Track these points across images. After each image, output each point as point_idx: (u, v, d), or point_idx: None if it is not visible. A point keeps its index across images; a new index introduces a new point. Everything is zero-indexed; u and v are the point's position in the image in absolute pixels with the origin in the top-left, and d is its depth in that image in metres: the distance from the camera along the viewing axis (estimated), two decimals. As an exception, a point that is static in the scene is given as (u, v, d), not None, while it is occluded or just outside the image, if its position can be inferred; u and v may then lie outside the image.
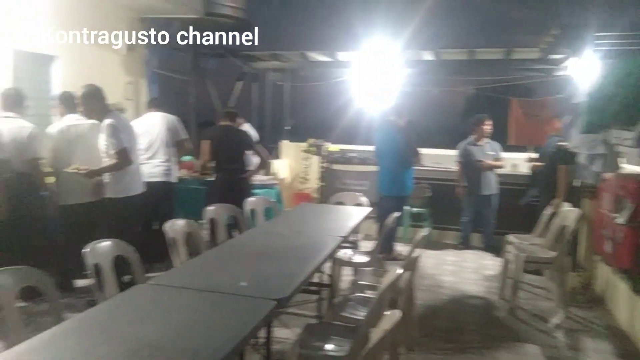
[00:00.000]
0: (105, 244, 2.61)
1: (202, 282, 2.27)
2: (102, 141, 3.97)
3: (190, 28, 6.91)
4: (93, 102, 4.02)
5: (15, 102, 4.01)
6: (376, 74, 7.33)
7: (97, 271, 2.49)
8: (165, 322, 1.82)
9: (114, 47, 6.54)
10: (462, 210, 6.22)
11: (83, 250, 2.44)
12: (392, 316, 1.82)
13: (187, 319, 1.88)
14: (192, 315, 1.92)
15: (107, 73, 6.49)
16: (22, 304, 3.24)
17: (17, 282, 2.06)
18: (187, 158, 5.95)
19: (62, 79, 5.83)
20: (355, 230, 3.90)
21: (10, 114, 3.94)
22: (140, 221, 4.91)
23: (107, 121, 3.94)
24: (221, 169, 4.99)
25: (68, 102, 4.34)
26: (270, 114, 8.95)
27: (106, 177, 4.03)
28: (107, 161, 3.97)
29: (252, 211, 4.32)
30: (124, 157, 3.95)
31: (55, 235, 4.24)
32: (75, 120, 4.24)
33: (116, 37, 6.59)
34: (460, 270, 5.43)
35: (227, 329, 1.77)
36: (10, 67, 5.17)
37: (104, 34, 6.36)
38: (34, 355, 1.55)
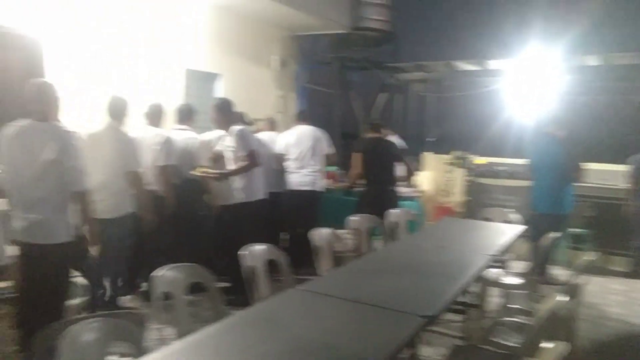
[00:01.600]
0: (260, 247, 2.77)
1: (348, 292, 2.28)
2: (229, 147, 4.15)
3: (337, 43, 7.15)
4: (222, 114, 4.23)
5: (187, 116, 4.50)
6: (532, 82, 6.82)
7: (252, 273, 2.66)
8: (316, 328, 1.86)
9: (268, 64, 7.07)
10: (632, 233, 5.46)
11: (240, 252, 2.61)
12: (556, 349, 1.63)
13: (336, 327, 1.89)
14: (340, 323, 1.93)
15: (261, 88, 7.00)
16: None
17: (187, 278, 2.28)
18: (331, 168, 6.12)
19: (224, 94, 6.42)
20: (505, 249, 3.63)
21: (183, 126, 4.44)
22: (286, 227, 5.18)
23: (236, 128, 4.16)
24: (371, 181, 5.02)
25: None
26: (412, 125, 8.86)
27: (235, 182, 4.16)
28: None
29: (395, 223, 4.27)
30: (254, 159, 4.12)
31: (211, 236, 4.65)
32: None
33: (271, 55, 7.12)
34: (630, 302, 4.75)
35: (375, 341, 1.75)
36: (183, 84, 5.85)
37: (260, 53, 6.92)
38: (203, 346, 1.69)
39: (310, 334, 1.78)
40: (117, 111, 3.76)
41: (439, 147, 8.33)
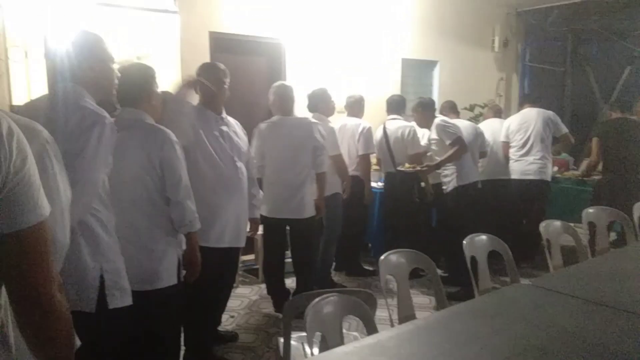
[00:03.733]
0: (482, 237, 2.68)
1: (587, 292, 2.05)
2: (433, 140, 4.21)
3: (571, 14, 6.37)
4: (424, 113, 4.27)
5: (399, 106, 4.60)
6: None
7: (473, 264, 2.60)
8: (550, 328, 1.72)
9: (488, 46, 6.72)
10: None
11: (464, 242, 2.57)
12: None
13: (573, 329, 1.73)
14: (579, 325, 1.75)
15: (480, 71, 6.70)
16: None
17: (409, 263, 2.34)
18: (563, 155, 5.55)
19: (440, 81, 6.35)
20: None
21: (394, 115, 4.55)
22: (510, 218, 4.89)
23: (437, 120, 4.18)
24: (612, 169, 4.41)
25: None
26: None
27: (447, 171, 4.20)
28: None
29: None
30: (461, 145, 4.07)
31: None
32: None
33: (491, 36, 6.75)
34: None
35: (624, 350, 1.54)
36: (399, 73, 5.98)
37: (479, 35, 6.62)
38: (425, 333, 1.73)
39: (543, 334, 1.66)
40: (317, 103, 4.06)
41: None
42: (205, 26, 4.47)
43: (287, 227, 3.78)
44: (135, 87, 2.25)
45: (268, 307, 3.83)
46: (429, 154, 4.39)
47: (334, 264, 4.53)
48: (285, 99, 3.61)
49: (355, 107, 4.50)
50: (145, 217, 2.21)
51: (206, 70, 2.93)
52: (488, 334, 1.67)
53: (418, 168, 4.20)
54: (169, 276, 2.27)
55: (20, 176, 0.87)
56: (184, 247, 2.37)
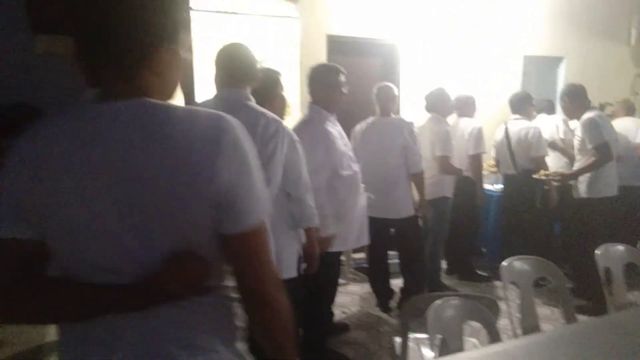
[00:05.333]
0: (618, 247, 2.46)
1: None
2: (577, 137, 3.74)
3: None
4: (573, 100, 3.81)
5: (522, 104, 4.33)
6: None
7: (608, 276, 2.39)
8: None
9: (623, 39, 6.12)
10: None
11: (597, 252, 2.39)
12: None
13: None
14: None
15: (611, 67, 6.11)
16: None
17: (534, 271, 2.22)
18: None
19: (566, 79, 5.90)
20: None
21: (517, 116, 4.30)
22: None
23: (587, 115, 3.66)
24: None
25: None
26: None
27: (580, 177, 3.73)
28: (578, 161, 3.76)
29: None
30: (604, 152, 3.54)
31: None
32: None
33: (628, 27, 6.14)
34: None
35: None
36: (520, 71, 5.66)
37: (613, 27, 6.04)
38: (549, 348, 1.64)
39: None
40: (435, 103, 4.00)
41: None
42: (323, 29, 4.61)
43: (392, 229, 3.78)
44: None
45: (376, 304, 3.87)
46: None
47: (445, 267, 4.43)
48: (382, 99, 3.64)
49: (465, 108, 4.36)
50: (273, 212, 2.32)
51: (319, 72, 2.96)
52: (628, 352, 1.54)
53: (552, 177, 3.83)
54: (288, 268, 2.38)
55: (240, 180, 0.90)
56: (303, 241, 2.47)
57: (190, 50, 0.98)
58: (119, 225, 0.86)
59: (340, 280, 3.68)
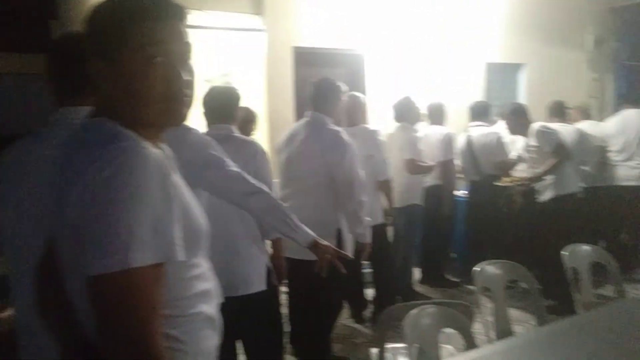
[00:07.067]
0: (584, 248, 2.53)
1: None
2: (532, 147, 3.89)
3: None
4: (516, 119, 3.98)
5: (482, 112, 4.44)
6: None
7: (575, 275, 2.45)
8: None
9: (579, 45, 6.35)
10: None
11: (562, 252, 2.44)
12: None
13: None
14: None
15: (570, 73, 6.34)
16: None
17: (506, 275, 2.25)
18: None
19: (528, 84, 6.08)
20: None
21: (479, 122, 4.40)
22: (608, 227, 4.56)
23: (536, 125, 3.86)
24: None
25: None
26: None
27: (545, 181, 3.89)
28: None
29: None
30: (562, 153, 3.75)
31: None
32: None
33: (582, 34, 6.38)
34: None
35: None
36: (483, 78, 5.79)
37: (569, 34, 6.27)
38: (523, 351, 1.66)
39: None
40: (403, 112, 4.02)
41: None
42: (289, 41, 4.61)
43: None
44: (226, 106, 2.40)
45: (348, 316, 3.84)
46: (517, 164, 4.18)
47: (420, 275, 4.46)
48: (349, 109, 3.57)
49: (436, 115, 4.41)
50: (241, 224, 2.28)
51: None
52: (598, 351, 1.56)
53: (517, 183, 3.95)
54: (258, 281, 2.32)
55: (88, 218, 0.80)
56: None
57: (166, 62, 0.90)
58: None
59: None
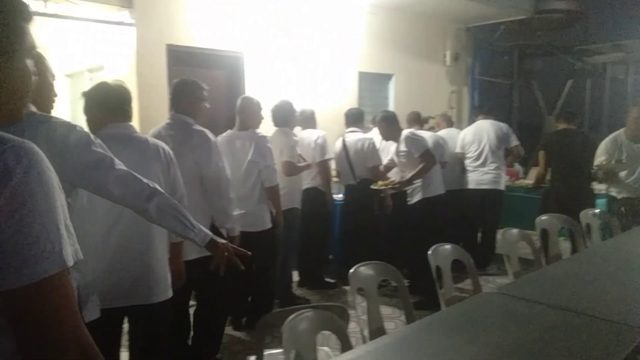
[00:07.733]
0: (446, 247, 2.74)
1: (552, 298, 2.13)
2: (402, 152, 4.14)
3: (516, 30, 6.67)
4: (389, 126, 4.23)
5: (357, 119, 4.65)
6: None
7: (439, 273, 2.65)
8: (519, 335, 1.77)
9: (440, 60, 6.94)
10: None
11: (429, 252, 2.62)
12: None
13: (543, 336, 1.78)
14: (548, 332, 1.81)
15: (432, 84, 6.91)
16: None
17: (378, 275, 2.36)
18: (516, 166, 5.78)
19: (396, 93, 6.50)
20: None
21: (353, 128, 4.59)
22: (467, 227, 5.02)
23: (405, 133, 4.13)
24: (558, 177, 4.61)
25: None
26: (608, 112, 7.84)
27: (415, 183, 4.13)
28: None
29: (587, 225, 3.83)
30: (429, 158, 4.04)
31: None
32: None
33: (443, 50, 6.98)
34: None
35: (593, 355, 1.61)
36: (356, 86, 6.07)
37: (432, 49, 6.82)
38: (396, 348, 1.74)
39: (513, 342, 1.71)
40: (282, 116, 4.05)
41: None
42: (162, 39, 4.38)
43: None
44: (122, 104, 2.23)
45: (227, 323, 3.74)
46: (390, 168, 4.43)
47: (298, 278, 4.50)
48: (242, 112, 3.57)
49: (308, 121, 4.51)
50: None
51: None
52: (461, 344, 1.69)
53: (390, 186, 4.14)
54: (166, 288, 2.23)
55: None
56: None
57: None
58: None
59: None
